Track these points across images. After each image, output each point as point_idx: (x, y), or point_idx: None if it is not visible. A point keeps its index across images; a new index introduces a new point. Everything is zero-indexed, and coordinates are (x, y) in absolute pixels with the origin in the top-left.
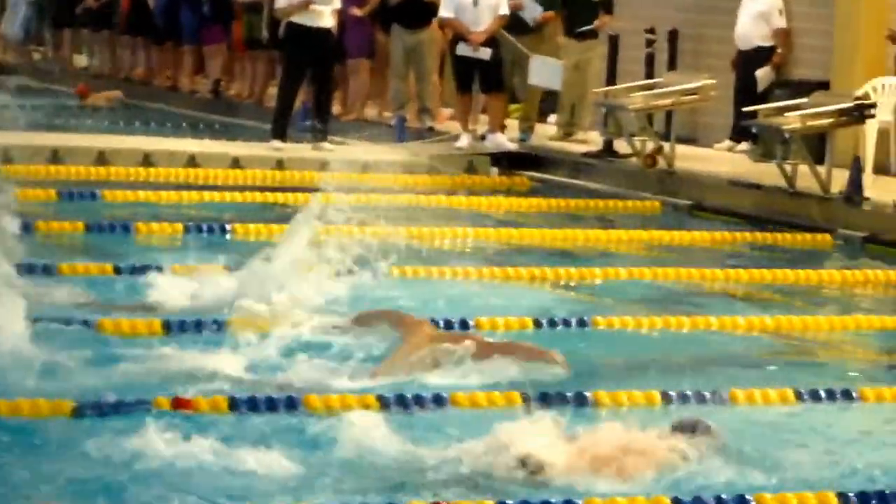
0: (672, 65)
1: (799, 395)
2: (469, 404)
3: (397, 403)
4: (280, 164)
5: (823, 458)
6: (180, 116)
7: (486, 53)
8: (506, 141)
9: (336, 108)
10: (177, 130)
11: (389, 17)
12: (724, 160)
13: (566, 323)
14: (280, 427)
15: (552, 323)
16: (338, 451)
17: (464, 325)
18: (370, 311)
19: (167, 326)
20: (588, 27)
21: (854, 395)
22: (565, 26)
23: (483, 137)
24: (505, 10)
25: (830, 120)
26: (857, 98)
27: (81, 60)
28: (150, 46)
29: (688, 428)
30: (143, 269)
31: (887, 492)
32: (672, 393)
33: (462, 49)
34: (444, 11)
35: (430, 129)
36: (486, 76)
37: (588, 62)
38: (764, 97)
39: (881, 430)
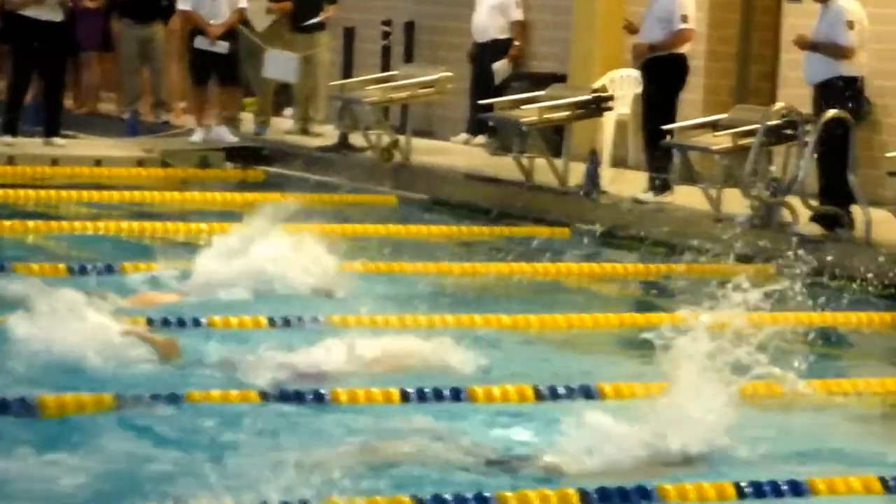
0: (408, 57)
1: (539, 394)
2: None
3: None
4: (10, 160)
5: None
6: None
7: (223, 47)
8: (228, 135)
9: (68, 102)
10: None
11: (120, 10)
12: (460, 154)
13: (300, 320)
14: None
15: (286, 322)
16: None
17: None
18: None
19: None
20: (314, 20)
21: (594, 392)
22: (291, 20)
23: None
24: (244, 3)
25: (568, 113)
26: (595, 91)
27: None
28: None
29: None
30: None
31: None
32: (410, 390)
33: (200, 42)
34: (183, 4)
35: (166, 123)
36: (222, 70)
37: (316, 55)
38: (501, 90)
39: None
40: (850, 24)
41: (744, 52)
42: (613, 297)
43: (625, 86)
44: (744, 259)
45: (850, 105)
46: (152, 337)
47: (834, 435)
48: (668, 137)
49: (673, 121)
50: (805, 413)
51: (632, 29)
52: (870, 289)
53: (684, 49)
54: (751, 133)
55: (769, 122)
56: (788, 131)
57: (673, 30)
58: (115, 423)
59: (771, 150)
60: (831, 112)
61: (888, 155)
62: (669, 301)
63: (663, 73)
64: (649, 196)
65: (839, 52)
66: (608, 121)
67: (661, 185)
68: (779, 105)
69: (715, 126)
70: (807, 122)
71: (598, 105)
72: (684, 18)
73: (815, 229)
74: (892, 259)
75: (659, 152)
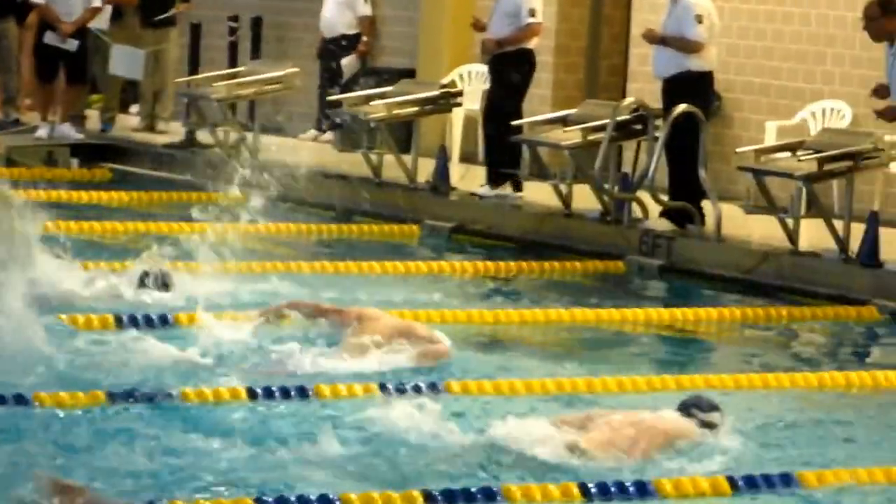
0: (256, 53)
1: (383, 388)
2: None
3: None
4: None
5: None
6: None
7: (72, 45)
8: (73, 132)
9: None
10: None
11: None
12: (309, 150)
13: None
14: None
15: (133, 321)
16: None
17: None
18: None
19: None
20: (164, 15)
21: (440, 387)
22: (140, 16)
23: None
24: (98, 2)
25: (416, 108)
26: (444, 86)
27: None
28: None
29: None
30: None
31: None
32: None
33: (49, 38)
34: None
35: (16, 121)
36: (70, 67)
37: (164, 51)
38: (349, 86)
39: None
40: (699, 19)
41: (593, 46)
42: (460, 293)
43: (474, 81)
44: (594, 255)
45: (700, 100)
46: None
47: None
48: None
49: (520, 116)
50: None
51: (479, 26)
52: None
53: (531, 44)
54: (600, 128)
55: (619, 118)
56: (638, 126)
57: (520, 24)
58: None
59: (621, 146)
60: (681, 107)
61: (738, 150)
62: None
63: (510, 69)
64: (486, 190)
65: (688, 46)
66: (457, 116)
67: (496, 179)
68: (628, 100)
69: (564, 121)
70: (656, 117)
71: (446, 100)
72: (532, 13)
73: (666, 225)
74: (743, 254)
75: (502, 147)
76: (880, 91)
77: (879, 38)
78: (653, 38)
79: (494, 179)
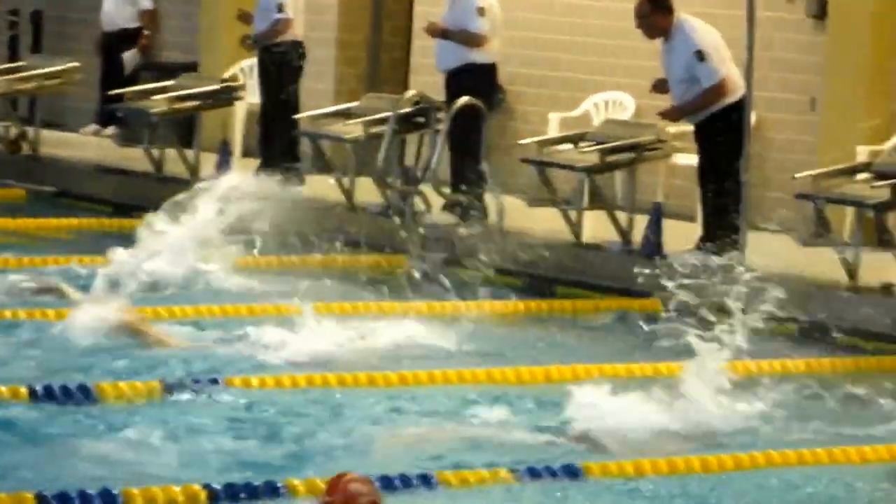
0: (36, 48)
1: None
2: None
3: None
4: None
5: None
6: None
7: None
8: None
9: None
10: None
11: None
12: (90, 145)
13: None
14: None
15: None
16: None
17: None
18: None
19: None
20: None
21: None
22: None
23: None
24: None
25: (198, 102)
26: (225, 80)
27: None
28: None
29: None
30: None
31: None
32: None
33: None
34: None
35: None
36: None
37: None
38: (131, 80)
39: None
40: (481, 11)
41: (374, 40)
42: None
43: (255, 75)
44: (377, 249)
45: (483, 92)
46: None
47: None
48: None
49: (297, 110)
50: None
51: (245, 18)
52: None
53: (287, 37)
54: (382, 121)
55: (400, 111)
56: (420, 119)
57: (272, 20)
58: None
59: (403, 139)
60: (463, 99)
61: (521, 142)
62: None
63: (278, 62)
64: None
65: (471, 39)
66: (239, 110)
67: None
68: (410, 93)
69: (346, 115)
70: (438, 109)
71: (227, 94)
72: (280, 7)
73: (448, 218)
74: (525, 246)
75: (284, 141)
76: (658, 87)
77: (653, 34)
78: (434, 32)
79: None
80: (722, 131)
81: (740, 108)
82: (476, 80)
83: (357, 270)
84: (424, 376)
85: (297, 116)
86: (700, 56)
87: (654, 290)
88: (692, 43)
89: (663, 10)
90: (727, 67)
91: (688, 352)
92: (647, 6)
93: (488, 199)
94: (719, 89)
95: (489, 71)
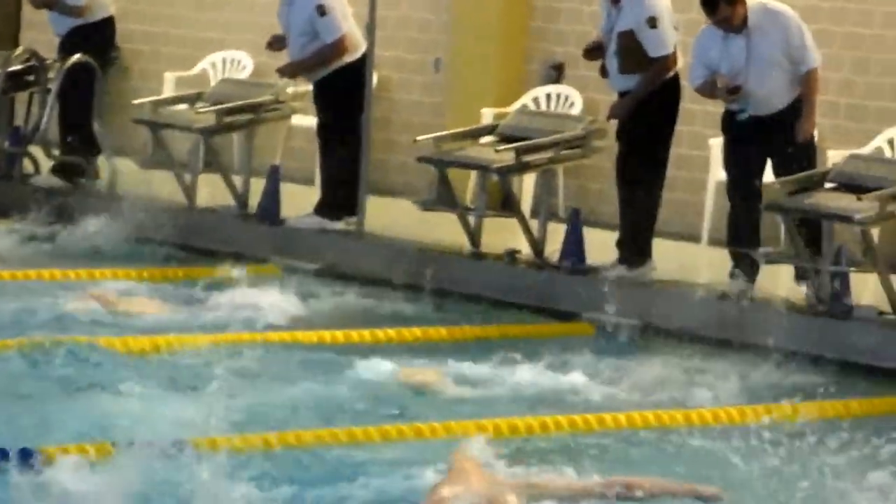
0: None
1: None
2: None
3: None
4: None
5: None
6: None
7: None
8: None
9: None
10: None
11: None
12: None
13: None
14: None
15: None
16: None
17: None
18: None
19: None
20: None
21: None
22: None
23: None
24: None
25: None
26: None
27: None
28: None
29: None
30: None
31: None
32: None
33: None
34: None
35: None
36: None
37: None
38: None
39: None
40: None
41: None
42: None
43: None
44: None
45: (96, 50)
46: None
47: None
48: None
49: None
50: None
51: None
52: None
53: None
54: None
55: (10, 68)
56: (31, 77)
57: None
58: None
59: (13, 98)
60: (74, 57)
61: (135, 102)
62: None
63: None
64: None
65: (73, 10)
66: None
67: None
68: (20, 49)
69: None
70: (49, 68)
71: None
72: None
73: (57, 181)
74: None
75: None
76: (275, 43)
77: None
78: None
79: None
80: (343, 90)
81: (361, 66)
82: (90, 37)
83: None
84: None
85: None
86: (321, 10)
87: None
88: None
89: None
90: (348, 24)
91: None
92: None
93: (101, 161)
94: (339, 45)
95: (103, 28)
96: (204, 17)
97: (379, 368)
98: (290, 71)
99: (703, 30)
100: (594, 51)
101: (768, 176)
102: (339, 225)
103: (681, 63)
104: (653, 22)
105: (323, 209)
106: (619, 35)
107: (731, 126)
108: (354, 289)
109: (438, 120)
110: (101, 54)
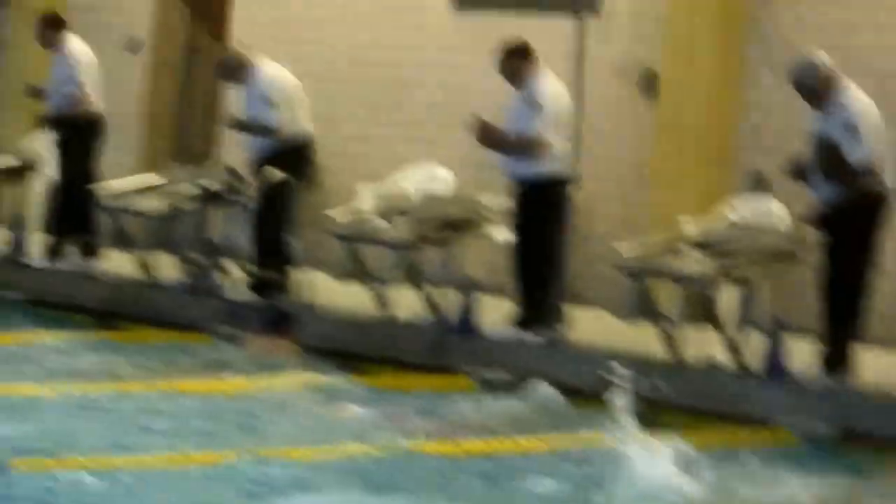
0: None
1: None
2: None
3: None
4: None
5: None
6: None
7: None
8: None
9: None
10: None
11: None
12: None
13: None
14: None
15: None
16: None
17: None
18: None
19: None
20: None
21: None
22: None
23: None
24: None
25: None
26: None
27: None
28: None
29: None
30: None
31: None
32: None
33: None
34: None
35: None
36: None
37: None
38: None
39: None
40: (272, 103)
41: (182, 113)
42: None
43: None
44: (179, 326)
45: (295, 167)
46: None
47: None
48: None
49: (91, 180)
50: None
51: (35, 94)
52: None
53: (85, 109)
54: (187, 195)
55: (206, 185)
56: (226, 194)
57: (66, 93)
58: None
59: (207, 213)
60: (272, 175)
61: (329, 214)
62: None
63: (75, 136)
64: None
65: (267, 132)
66: (36, 185)
67: (86, 250)
68: (217, 167)
69: (149, 188)
70: (246, 184)
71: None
72: (75, 81)
73: (253, 296)
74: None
75: (80, 216)
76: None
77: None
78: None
79: (83, 252)
80: (545, 203)
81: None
82: (287, 157)
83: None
84: None
85: (95, 189)
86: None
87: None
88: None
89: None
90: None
91: None
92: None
93: (298, 274)
94: (537, 143)
95: (300, 147)
96: (402, 132)
97: None
98: (486, 134)
99: None
100: (798, 171)
101: None
102: (538, 338)
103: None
104: (852, 128)
105: (521, 321)
106: (819, 140)
107: None
108: None
109: (640, 230)
110: (298, 173)
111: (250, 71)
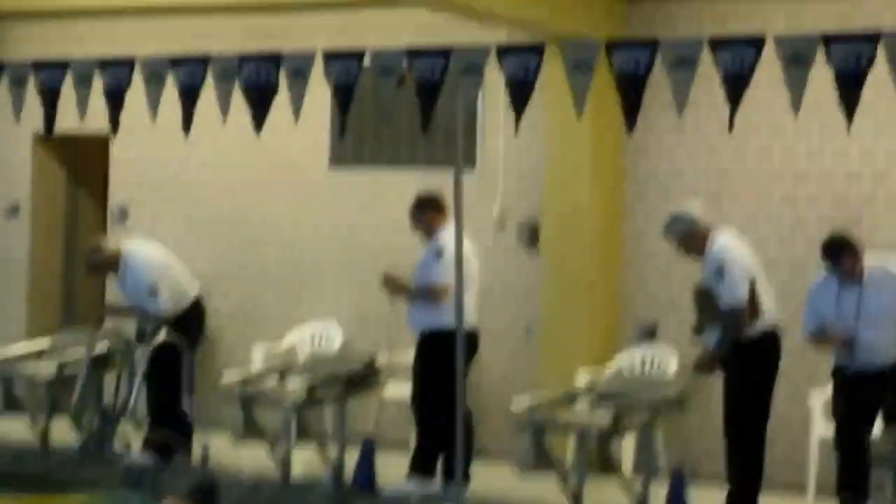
0: None
1: None
2: None
3: None
4: None
5: None
6: None
7: None
8: None
9: None
10: None
11: None
12: None
13: None
14: None
15: None
16: None
17: None
18: None
19: None
20: None
21: None
22: None
23: None
24: None
25: None
26: None
27: None
28: None
29: None
30: None
31: None
32: None
33: None
34: None
35: None
36: None
37: None
38: None
39: None
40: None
41: (69, 277)
42: None
43: None
44: (76, 490)
45: (183, 330)
46: None
47: None
48: None
49: None
50: None
51: None
52: None
53: None
54: (76, 359)
55: (94, 349)
56: (117, 356)
57: None
58: None
59: (99, 376)
60: (160, 337)
61: (224, 379)
62: None
63: None
64: None
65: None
66: None
67: None
68: (105, 330)
69: (37, 353)
70: (134, 347)
71: None
72: None
73: (149, 457)
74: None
75: None
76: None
77: None
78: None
79: None
80: (439, 358)
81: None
82: (176, 322)
83: None
84: None
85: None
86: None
87: None
88: None
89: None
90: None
91: None
92: None
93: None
94: (441, 289)
95: (189, 313)
96: (291, 291)
97: None
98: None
99: (818, 280)
100: (704, 365)
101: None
102: (436, 483)
103: (781, 315)
104: (721, 273)
105: (417, 467)
106: (696, 288)
107: (839, 378)
108: None
109: (531, 381)
110: (188, 335)
111: (121, 259)
